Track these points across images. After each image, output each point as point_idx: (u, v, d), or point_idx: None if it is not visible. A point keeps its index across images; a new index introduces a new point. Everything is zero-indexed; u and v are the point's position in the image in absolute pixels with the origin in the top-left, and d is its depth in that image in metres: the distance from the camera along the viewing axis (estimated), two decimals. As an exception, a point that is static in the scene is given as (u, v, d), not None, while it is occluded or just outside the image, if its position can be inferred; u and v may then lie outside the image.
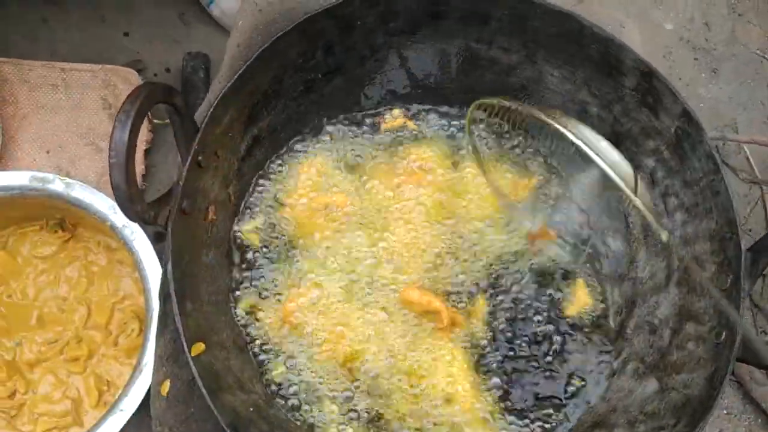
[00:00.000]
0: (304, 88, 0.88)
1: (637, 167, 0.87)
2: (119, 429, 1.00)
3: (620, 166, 0.73)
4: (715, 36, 1.39)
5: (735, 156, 1.31)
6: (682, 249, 0.83)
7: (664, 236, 0.72)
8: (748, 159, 1.30)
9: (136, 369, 1.03)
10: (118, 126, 0.64)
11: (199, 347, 0.73)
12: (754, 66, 1.38)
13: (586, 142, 0.71)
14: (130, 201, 0.67)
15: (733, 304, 0.73)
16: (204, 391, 0.69)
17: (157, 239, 1.17)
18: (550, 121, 0.72)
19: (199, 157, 0.77)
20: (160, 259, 1.06)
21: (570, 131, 0.72)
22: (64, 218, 1.17)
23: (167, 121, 1.29)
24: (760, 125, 1.33)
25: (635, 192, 0.72)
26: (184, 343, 0.70)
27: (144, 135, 1.25)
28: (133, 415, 1.01)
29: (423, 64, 0.91)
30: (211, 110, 0.77)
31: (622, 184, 0.71)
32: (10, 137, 1.26)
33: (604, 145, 0.74)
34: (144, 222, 0.71)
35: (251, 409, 0.75)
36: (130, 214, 0.68)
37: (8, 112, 1.27)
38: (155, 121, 1.29)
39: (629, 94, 0.85)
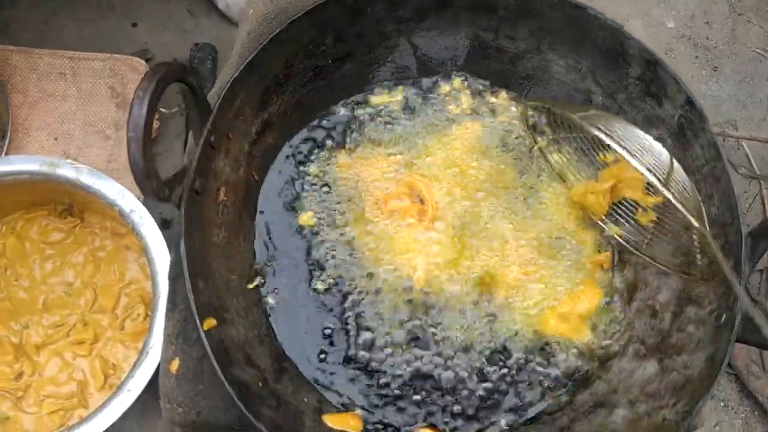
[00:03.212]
0: (313, 74, 0.89)
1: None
2: (125, 409, 1.01)
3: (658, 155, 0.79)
4: (716, 34, 1.41)
5: (734, 152, 1.33)
6: (684, 235, 0.85)
7: (699, 227, 0.76)
8: (747, 155, 1.32)
9: (143, 351, 1.04)
10: (137, 101, 0.65)
11: (211, 322, 0.74)
12: (754, 64, 1.40)
13: (617, 137, 0.76)
14: (146, 176, 0.68)
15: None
16: (215, 364, 0.70)
17: (164, 226, 1.19)
18: (581, 123, 0.78)
19: (212, 138, 0.78)
20: (168, 244, 1.08)
21: (600, 129, 0.77)
22: (73, 204, 1.19)
23: (175, 110, 1.31)
24: (759, 122, 1.35)
25: (666, 181, 0.77)
26: (196, 317, 0.71)
27: (151, 124, 1.26)
28: (139, 396, 1.02)
29: (431, 52, 0.93)
30: (224, 92, 0.78)
31: (648, 175, 0.75)
32: (19, 125, 1.27)
33: (639, 134, 0.81)
34: (159, 199, 0.72)
35: (260, 384, 0.77)
36: (147, 189, 0.69)
37: (17, 100, 1.28)
38: (162, 110, 1.30)
39: (633, 83, 0.86)
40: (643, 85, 0.85)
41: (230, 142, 0.83)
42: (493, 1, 0.88)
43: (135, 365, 1.04)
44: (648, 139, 0.81)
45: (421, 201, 0.90)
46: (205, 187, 0.79)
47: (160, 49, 1.35)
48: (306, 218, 0.90)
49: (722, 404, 1.19)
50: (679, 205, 0.76)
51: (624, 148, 0.76)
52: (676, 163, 0.80)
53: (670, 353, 0.81)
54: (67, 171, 1.09)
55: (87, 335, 1.15)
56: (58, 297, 1.17)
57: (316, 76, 0.90)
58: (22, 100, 1.29)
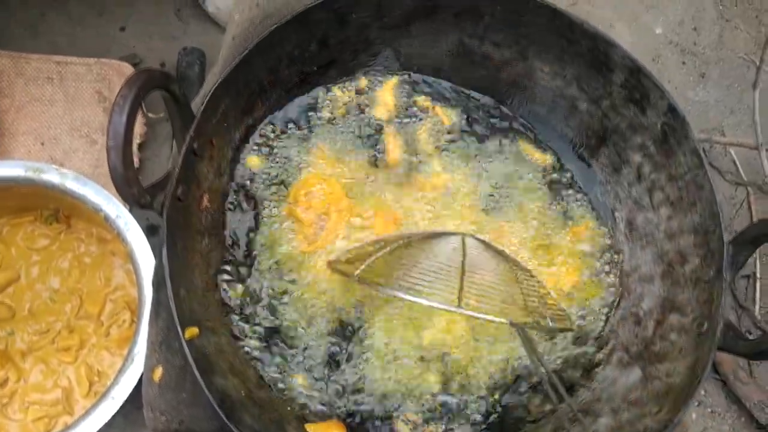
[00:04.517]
0: (298, 79, 0.89)
1: (624, 162, 0.89)
2: (110, 417, 1.01)
3: None
4: (704, 40, 1.41)
5: (721, 158, 1.33)
6: (667, 243, 0.85)
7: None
8: (734, 161, 1.32)
9: (128, 359, 1.03)
10: (116, 110, 0.65)
11: (193, 331, 0.74)
12: (741, 70, 1.40)
13: None
14: (127, 184, 0.68)
15: (716, 293, 0.75)
16: (197, 373, 0.70)
17: (150, 232, 1.18)
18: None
19: (195, 145, 0.78)
20: (154, 250, 1.07)
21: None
22: (59, 209, 1.18)
23: (162, 114, 1.31)
24: (746, 128, 1.35)
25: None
26: (178, 327, 0.71)
27: (138, 128, 1.26)
28: (124, 404, 1.02)
29: (416, 58, 0.93)
30: (208, 98, 0.78)
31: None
32: (6, 129, 1.27)
33: None
34: (140, 206, 0.72)
35: (242, 392, 0.76)
36: (127, 197, 0.69)
37: (4, 105, 1.28)
38: (150, 115, 1.30)
39: (617, 90, 0.86)
40: (626, 92, 0.86)
41: (213, 149, 0.82)
42: (479, 8, 0.88)
43: (120, 372, 1.03)
44: None
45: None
46: (188, 193, 0.79)
47: (148, 53, 1.35)
48: (254, 162, 0.90)
49: (709, 410, 1.19)
50: None
51: None
52: None
53: (653, 361, 0.81)
54: (52, 176, 1.09)
55: (72, 342, 1.14)
56: (43, 303, 1.17)
57: (302, 82, 0.90)
58: (9, 105, 1.28)
